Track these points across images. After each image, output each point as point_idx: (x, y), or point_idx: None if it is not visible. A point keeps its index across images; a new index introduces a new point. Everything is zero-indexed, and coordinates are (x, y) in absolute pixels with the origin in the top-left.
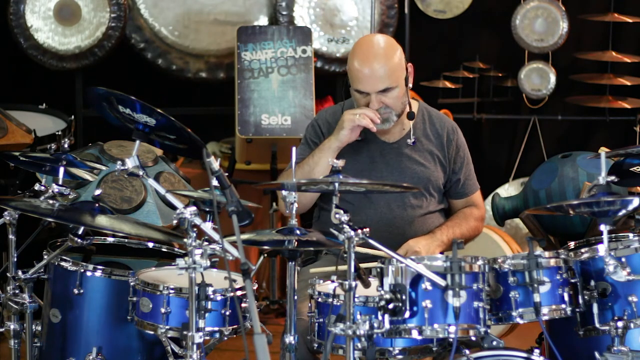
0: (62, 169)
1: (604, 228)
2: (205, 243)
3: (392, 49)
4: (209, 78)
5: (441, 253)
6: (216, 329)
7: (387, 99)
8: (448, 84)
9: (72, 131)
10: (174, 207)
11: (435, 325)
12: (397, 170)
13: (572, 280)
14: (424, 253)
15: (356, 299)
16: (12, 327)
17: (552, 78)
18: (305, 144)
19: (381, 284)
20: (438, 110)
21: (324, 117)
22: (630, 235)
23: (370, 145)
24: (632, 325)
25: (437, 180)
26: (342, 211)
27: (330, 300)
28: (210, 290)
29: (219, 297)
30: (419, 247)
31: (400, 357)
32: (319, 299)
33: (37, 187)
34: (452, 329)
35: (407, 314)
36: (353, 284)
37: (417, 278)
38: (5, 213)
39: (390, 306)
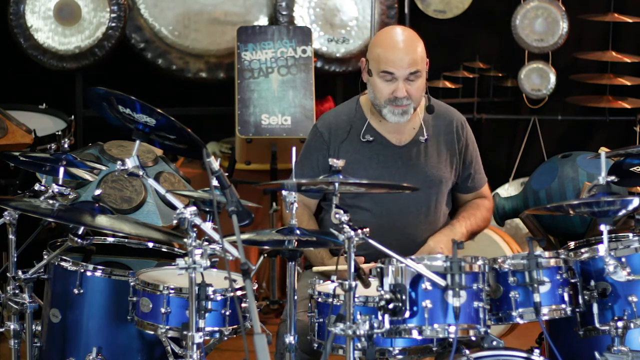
0: (62, 169)
1: (604, 228)
2: (205, 243)
3: (417, 36)
4: (209, 78)
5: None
6: (216, 329)
7: (412, 88)
8: (448, 84)
9: (72, 131)
10: (174, 207)
11: (435, 325)
12: (410, 174)
13: (572, 280)
14: (447, 252)
15: (356, 299)
16: (12, 327)
17: (552, 78)
18: (307, 157)
19: (381, 284)
20: None
21: (326, 121)
22: (630, 235)
23: (381, 150)
24: (632, 325)
25: (448, 181)
26: (342, 211)
27: (330, 300)
28: (210, 290)
29: (219, 297)
30: (441, 246)
31: (400, 357)
32: (319, 299)
33: (37, 187)
34: (452, 329)
35: (407, 314)
36: (353, 284)
37: (417, 278)
38: (5, 213)
39: (390, 306)
